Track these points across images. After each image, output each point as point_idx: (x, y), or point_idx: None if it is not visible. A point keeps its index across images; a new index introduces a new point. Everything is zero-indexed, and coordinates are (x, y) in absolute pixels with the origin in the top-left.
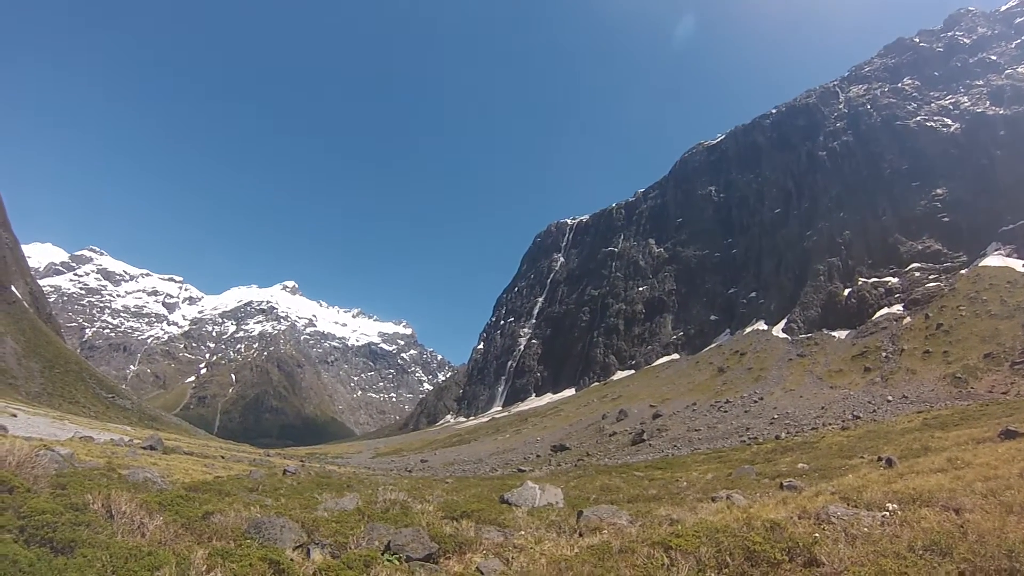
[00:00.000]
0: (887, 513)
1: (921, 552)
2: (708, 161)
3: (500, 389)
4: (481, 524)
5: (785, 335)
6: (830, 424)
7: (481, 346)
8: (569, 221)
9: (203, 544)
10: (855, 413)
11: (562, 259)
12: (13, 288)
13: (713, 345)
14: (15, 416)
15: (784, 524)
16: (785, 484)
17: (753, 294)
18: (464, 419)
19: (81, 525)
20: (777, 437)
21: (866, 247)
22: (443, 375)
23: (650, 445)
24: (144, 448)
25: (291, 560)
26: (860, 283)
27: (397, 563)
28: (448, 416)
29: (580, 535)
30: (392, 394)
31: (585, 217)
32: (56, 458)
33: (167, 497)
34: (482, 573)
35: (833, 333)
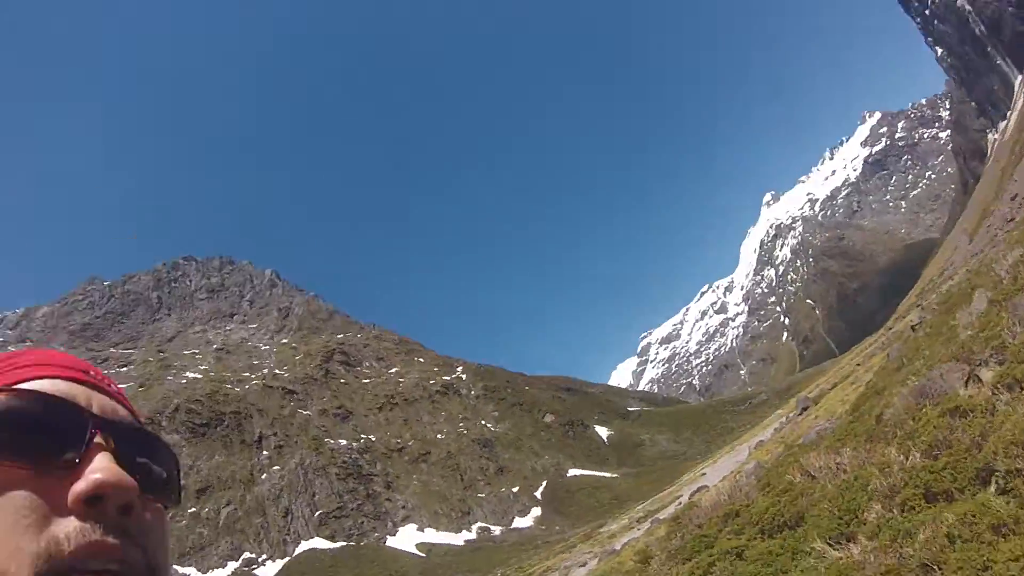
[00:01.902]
0: None
1: None
2: None
3: (999, 62)
4: None
5: None
6: None
7: (940, 51)
8: None
9: None
10: None
11: None
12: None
13: None
14: None
15: None
16: None
17: None
18: (1003, 122)
19: None
20: None
21: None
22: (944, 111)
23: None
24: None
25: None
26: None
27: None
28: (989, 136)
29: None
30: (928, 174)
31: None
32: None
33: None
34: None
35: None
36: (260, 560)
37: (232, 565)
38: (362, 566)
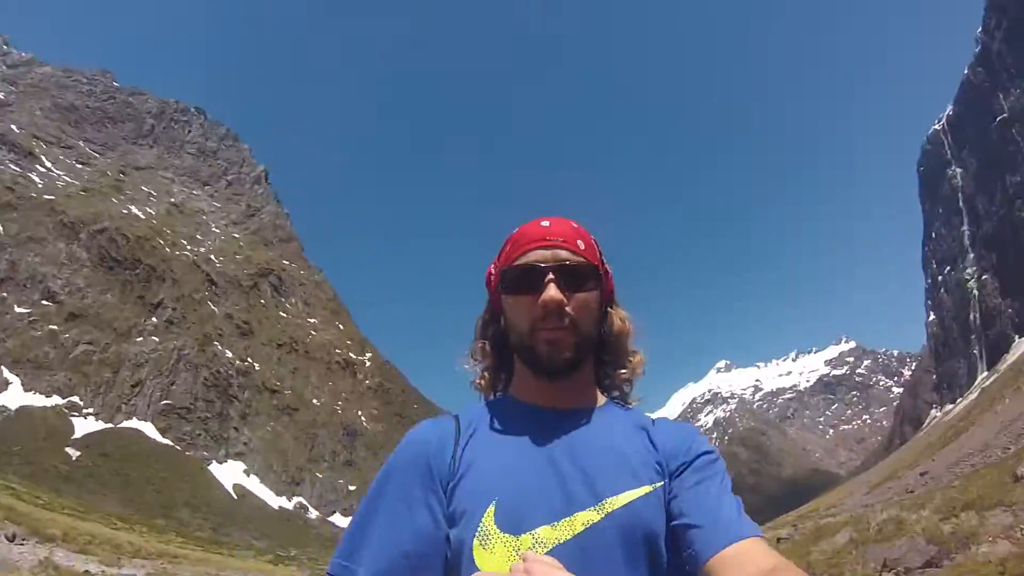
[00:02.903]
0: None
1: None
2: None
3: (975, 351)
4: (984, 511)
5: None
6: None
7: (932, 316)
8: (936, 126)
9: None
10: None
11: (958, 169)
12: None
13: None
14: None
15: None
16: None
17: None
18: (951, 406)
19: None
20: None
21: None
22: (908, 370)
23: None
24: None
25: None
26: None
27: None
28: (932, 411)
29: None
30: (864, 417)
31: (948, 108)
32: None
33: None
34: (991, 562)
35: None
36: (83, 411)
37: (55, 399)
38: (165, 470)
